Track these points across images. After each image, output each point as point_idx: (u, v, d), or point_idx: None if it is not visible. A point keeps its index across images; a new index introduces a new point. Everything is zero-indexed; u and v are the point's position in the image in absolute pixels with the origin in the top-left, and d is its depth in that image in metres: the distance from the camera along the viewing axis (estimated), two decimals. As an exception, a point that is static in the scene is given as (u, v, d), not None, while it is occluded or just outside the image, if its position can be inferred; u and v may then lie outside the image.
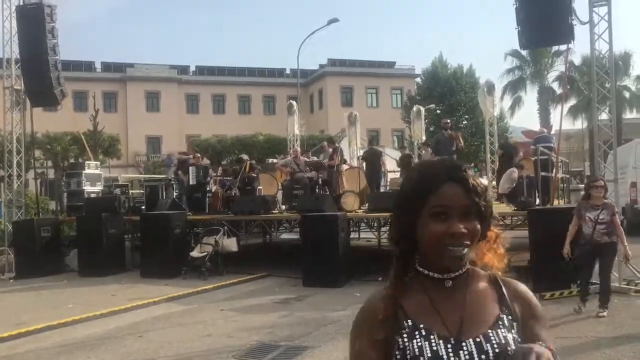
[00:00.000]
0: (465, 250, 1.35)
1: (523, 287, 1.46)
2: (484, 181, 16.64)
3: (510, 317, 1.38)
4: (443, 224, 1.34)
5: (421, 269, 1.43)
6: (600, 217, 7.05)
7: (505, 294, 1.41)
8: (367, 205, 13.09)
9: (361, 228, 16.45)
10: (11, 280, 12.24)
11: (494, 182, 14.89)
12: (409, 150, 17.83)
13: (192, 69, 55.05)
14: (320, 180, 13.86)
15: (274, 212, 13.51)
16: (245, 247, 14.05)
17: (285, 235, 16.39)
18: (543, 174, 10.56)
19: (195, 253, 11.78)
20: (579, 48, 37.28)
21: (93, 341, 6.93)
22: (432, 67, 41.06)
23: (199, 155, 16.06)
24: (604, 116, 12.86)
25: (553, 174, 11.39)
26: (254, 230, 14.32)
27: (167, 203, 13.50)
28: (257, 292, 10.23)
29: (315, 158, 16.37)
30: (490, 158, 15.38)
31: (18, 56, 13.43)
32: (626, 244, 7.34)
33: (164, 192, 15.07)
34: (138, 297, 9.60)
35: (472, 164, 30.19)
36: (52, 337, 7.19)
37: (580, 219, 7.23)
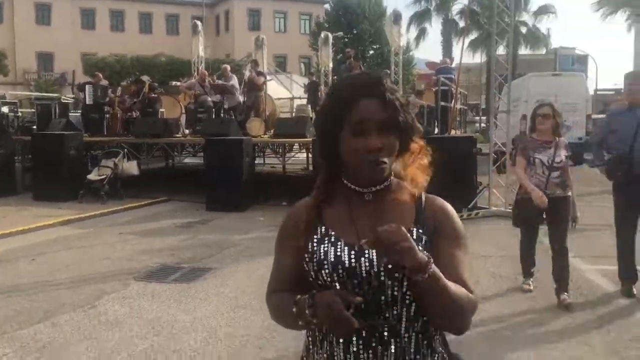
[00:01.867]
0: (384, 164, 1.38)
1: (443, 204, 1.50)
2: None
3: (420, 231, 1.42)
4: (361, 138, 1.36)
5: (345, 182, 1.46)
6: (556, 159, 5.01)
7: (424, 209, 1.46)
8: (272, 130, 13.07)
9: (266, 154, 16.45)
10: None
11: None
12: (316, 77, 17.75)
13: (87, -20, 50.99)
14: (226, 105, 13.57)
15: (177, 135, 13.18)
16: (147, 171, 13.68)
17: (188, 160, 16.12)
18: (443, 103, 10.95)
19: (92, 176, 11.33)
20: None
21: (-20, 265, 6.61)
22: (341, -7, 40.55)
23: (98, 73, 15.14)
24: (501, 50, 13.37)
25: (452, 105, 11.84)
26: (156, 154, 13.94)
27: (61, 123, 12.78)
28: (159, 215, 10.08)
29: (219, 81, 15.95)
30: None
31: None
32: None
33: (57, 112, 14.23)
34: (31, 220, 9.18)
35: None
36: None
37: (526, 160, 5.12)
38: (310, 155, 15.39)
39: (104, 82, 14.71)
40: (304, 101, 17.63)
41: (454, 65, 17.65)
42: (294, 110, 17.20)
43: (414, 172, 1.48)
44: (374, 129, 1.36)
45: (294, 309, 1.38)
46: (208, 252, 7.26)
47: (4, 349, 4.25)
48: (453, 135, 11.31)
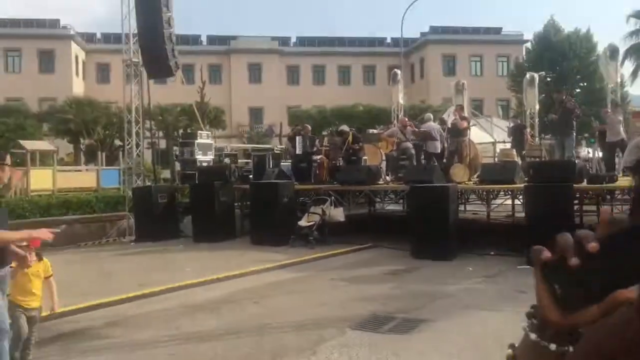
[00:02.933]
0: None
1: None
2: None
3: None
4: None
5: None
6: None
7: None
8: (477, 176, 12.65)
9: (468, 200, 15.94)
10: (132, 243, 13.01)
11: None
12: (520, 119, 16.94)
13: (293, 40, 55.54)
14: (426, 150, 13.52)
15: (379, 182, 13.38)
16: (350, 217, 14.04)
17: (388, 207, 16.25)
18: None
19: (303, 222, 11.92)
20: None
21: (212, 304, 7.18)
22: (544, 31, 38.76)
23: (307, 125, 16.13)
24: None
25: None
26: (359, 201, 14.27)
27: (274, 172, 13.72)
28: (365, 262, 10.19)
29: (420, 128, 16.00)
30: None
31: (135, 30, 14.06)
32: None
33: (270, 162, 15.34)
34: (250, 263, 9.84)
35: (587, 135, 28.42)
36: (173, 299, 7.52)
37: None
38: (516, 202, 14.59)
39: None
40: (507, 145, 16.89)
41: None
42: (497, 154, 16.55)
43: None
44: None
45: None
46: (420, 303, 7.08)
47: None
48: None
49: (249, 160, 16.17)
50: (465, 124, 13.55)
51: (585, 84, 36.87)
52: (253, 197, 12.81)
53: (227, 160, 16.03)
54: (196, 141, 14.99)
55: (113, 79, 44.20)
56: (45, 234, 3.77)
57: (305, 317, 6.53)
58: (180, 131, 28.56)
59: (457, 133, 13.44)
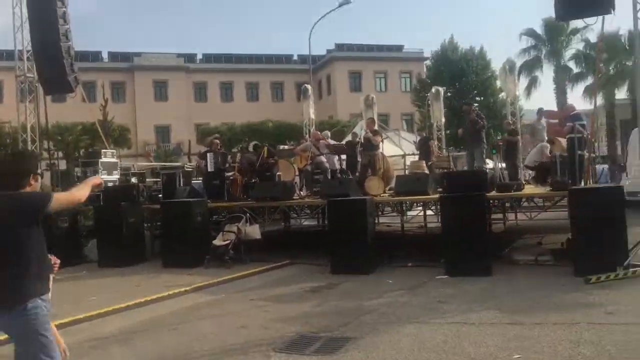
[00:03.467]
0: None
1: None
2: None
3: None
4: None
5: None
6: None
7: None
8: (390, 189, 12.76)
9: (383, 213, 16.10)
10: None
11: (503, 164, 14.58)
12: (426, 133, 17.38)
13: (200, 57, 54.73)
14: (343, 164, 13.50)
15: (294, 197, 13.18)
16: (266, 234, 13.72)
17: (305, 222, 16.09)
18: (579, 152, 10.15)
19: (217, 241, 11.47)
20: (596, 25, 36.51)
21: (125, 335, 6.63)
22: (442, 49, 40.51)
23: (217, 142, 15.68)
24: (623, 94, 12.33)
25: (586, 154, 11.00)
26: (275, 217, 14.00)
27: (186, 191, 13.19)
28: (285, 280, 9.91)
29: (332, 142, 16.01)
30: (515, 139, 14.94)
31: (29, 45, 13.13)
32: None
33: (181, 180, 14.77)
34: (163, 287, 9.30)
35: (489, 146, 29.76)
36: (80, 332, 6.87)
37: None
38: (429, 213, 14.88)
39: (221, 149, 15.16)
40: (416, 157, 17.28)
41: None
42: (407, 166, 16.88)
43: None
44: None
45: None
46: (343, 320, 6.89)
47: None
48: (599, 185, 10.42)
49: (158, 179, 15.49)
50: (378, 137, 13.67)
51: (481, 98, 38.79)
52: (164, 217, 12.21)
53: (134, 179, 15.25)
54: (100, 160, 14.14)
55: (6, 97, 41.39)
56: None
57: (227, 343, 6.16)
58: (82, 151, 27.13)
59: (370, 147, 13.51)
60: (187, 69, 51.54)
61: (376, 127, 14.45)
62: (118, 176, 14.92)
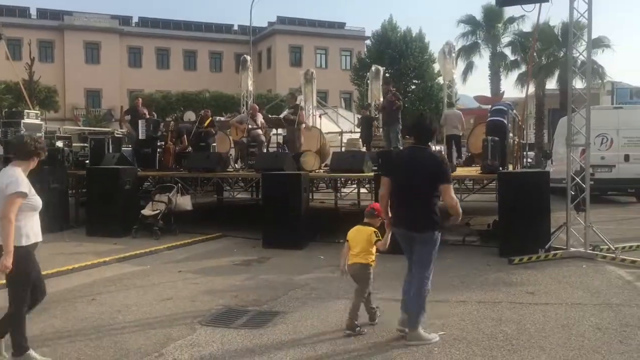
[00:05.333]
0: None
1: None
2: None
3: None
4: None
5: None
6: None
7: None
8: (326, 165, 12.73)
9: (317, 189, 16.09)
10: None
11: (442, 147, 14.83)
12: (370, 111, 17.41)
13: (135, 20, 52.65)
14: (282, 138, 13.32)
15: (229, 170, 12.94)
16: (197, 206, 13.44)
17: (238, 195, 15.86)
18: (497, 138, 10.51)
19: (146, 211, 11.11)
20: (532, 16, 37.55)
21: (42, 304, 6.21)
22: (382, 29, 40.67)
23: (146, 109, 15.10)
24: (553, 84, 12.73)
25: (512, 139, 11.34)
26: (208, 189, 13.72)
27: (115, 158, 12.68)
28: (215, 252, 9.74)
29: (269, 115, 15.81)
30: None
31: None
32: None
33: (110, 147, 14.20)
34: (87, 256, 8.93)
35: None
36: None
37: None
38: (363, 191, 14.98)
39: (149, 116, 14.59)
40: (354, 135, 17.31)
41: (503, 99, 17.07)
42: (344, 144, 16.89)
43: None
44: None
45: None
46: (273, 294, 6.82)
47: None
48: (526, 170, 10.73)
49: (86, 145, 14.80)
50: (303, 113, 13.54)
51: (419, 81, 39.34)
52: (90, 183, 11.70)
53: (59, 143, 14.51)
54: (22, 121, 13.32)
55: None
56: None
57: (150, 315, 5.96)
58: (5, 111, 25.59)
59: (291, 122, 13.32)
60: (121, 31, 49.51)
61: (298, 102, 14.34)
62: (42, 139, 14.11)
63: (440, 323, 5.53)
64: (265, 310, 6.17)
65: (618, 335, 5.16)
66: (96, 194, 11.37)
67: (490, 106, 14.76)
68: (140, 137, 13.60)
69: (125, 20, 51.15)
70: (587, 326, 5.40)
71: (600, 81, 30.74)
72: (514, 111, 13.60)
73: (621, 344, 4.95)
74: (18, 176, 4.31)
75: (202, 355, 4.79)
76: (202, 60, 52.92)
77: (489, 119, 12.15)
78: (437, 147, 16.51)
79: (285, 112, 14.38)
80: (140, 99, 14.91)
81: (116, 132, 18.61)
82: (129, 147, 15.56)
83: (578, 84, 31.77)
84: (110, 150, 13.68)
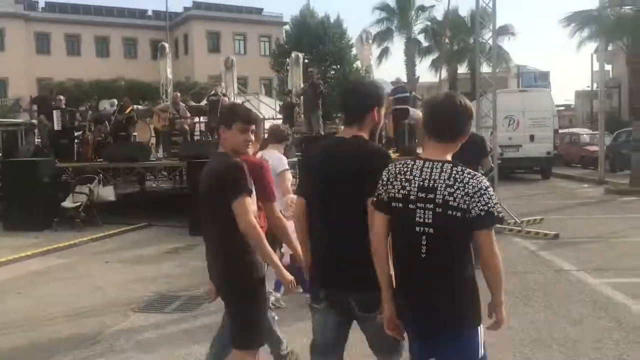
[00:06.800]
0: None
1: None
2: None
3: None
4: None
5: None
6: None
7: None
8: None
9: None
10: None
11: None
12: (291, 98, 17.62)
13: (42, 5, 49.97)
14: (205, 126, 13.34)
15: (152, 159, 12.83)
16: (121, 196, 13.23)
17: (162, 184, 15.71)
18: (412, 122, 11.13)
19: (67, 203, 10.86)
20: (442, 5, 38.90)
21: (-37, 301, 6.17)
22: (300, 15, 40.86)
23: (61, 97, 14.63)
24: (463, 69, 13.40)
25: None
26: (131, 179, 13.54)
27: (30, 150, 12.27)
28: (142, 242, 9.72)
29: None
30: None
31: None
32: None
33: (24, 138, 13.70)
34: (6, 251, 8.68)
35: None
36: None
37: None
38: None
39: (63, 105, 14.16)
40: (276, 122, 17.47)
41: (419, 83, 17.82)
42: (266, 131, 17.01)
43: None
44: None
45: None
46: (203, 279, 6.82)
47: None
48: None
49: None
50: (226, 100, 13.67)
51: (338, 66, 39.89)
52: (5, 177, 11.28)
53: (-33, 136, 13.86)
54: None
55: None
56: None
57: (82, 305, 5.98)
58: None
59: (217, 109, 13.42)
60: (27, 17, 46.87)
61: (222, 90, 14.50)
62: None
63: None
64: (197, 294, 6.32)
65: (523, 299, 5.73)
66: (12, 188, 10.98)
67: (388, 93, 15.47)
68: (56, 128, 13.19)
69: (31, 4, 48.46)
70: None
71: (506, 65, 32.42)
72: (413, 93, 14.35)
73: (525, 306, 5.51)
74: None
75: (137, 340, 4.92)
76: (115, 46, 51.05)
77: (394, 108, 12.64)
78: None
79: (205, 101, 14.40)
80: (62, 98, 14.27)
81: (32, 122, 17.87)
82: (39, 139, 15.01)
83: (486, 69, 33.64)
84: (24, 142, 13.21)
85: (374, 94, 2.83)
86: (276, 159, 5.09)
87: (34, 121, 16.55)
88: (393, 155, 11.32)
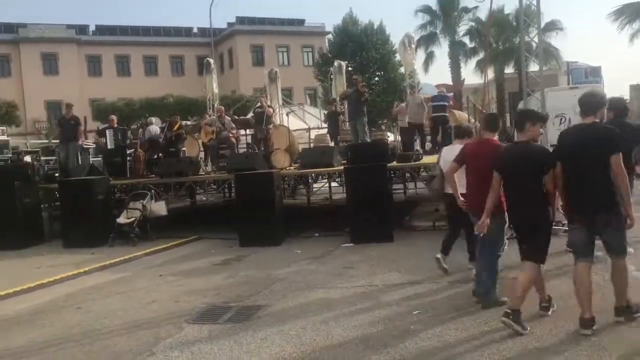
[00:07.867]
0: None
1: None
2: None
3: None
4: None
5: None
6: None
7: None
8: (297, 162, 12.95)
9: (289, 186, 16.29)
10: None
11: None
12: (335, 107, 17.65)
13: (92, 28, 51.87)
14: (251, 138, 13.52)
15: (200, 173, 13.08)
16: (172, 210, 13.54)
17: (212, 198, 15.97)
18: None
19: (122, 219, 11.20)
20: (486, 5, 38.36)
21: (27, 316, 6.41)
22: (343, 23, 40.97)
23: (113, 117, 15.10)
24: (510, 69, 13.24)
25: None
26: (181, 194, 13.83)
27: (85, 169, 12.71)
28: (193, 255, 9.90)
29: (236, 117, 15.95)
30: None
31: None
32: None
33: (79, 158, 14.17)
34: (65, 267, 9.01)
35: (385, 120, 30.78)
36: (-23, 317, 6.59)
37: None
38: (333, 185, 15.23)
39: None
40: (322, 131, 17.53)
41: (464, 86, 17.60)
42: (312, 140, 17.11)
43: None
44: None
45: None
46: (254, 289, 7.05)
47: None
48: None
49: (52, 158, 14.73)
50: (271, 110, 13.78)
51: (382, 73, 39.75)
52: (63, 196, 11.72)
53: (27, 158, 14.44)
54: (-12, 139, 13.26)
55: None
56: None
57: (137, 318, 6.14)
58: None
59: (262, 120, 13.55)
60: (78, 41, 48.73)
61: (269, 102, 14.63)
62: (10, 155, 14.06)
63: (415, 303, 5.85)
64: (249, 304, 6.40)
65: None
66: (70, 206, 11.39)
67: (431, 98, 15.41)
68: (109, 147, 13.64)
69: (82, 29, 50.37)
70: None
71: (555, 62, 31.61)
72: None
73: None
74: None
75: (192, 351, 5.00)
76: (163, 64, 52.45)
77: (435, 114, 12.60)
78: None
79: (251, 113, 14.59)
80: (114, 118, 14.70)
81: (83, 143, 18.52)
82: (97, 158, 15.55)
83: (535, 67, 32.83)
84: (80, 162, 13.68)
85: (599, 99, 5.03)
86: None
87: (87, 142, 17.17)
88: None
